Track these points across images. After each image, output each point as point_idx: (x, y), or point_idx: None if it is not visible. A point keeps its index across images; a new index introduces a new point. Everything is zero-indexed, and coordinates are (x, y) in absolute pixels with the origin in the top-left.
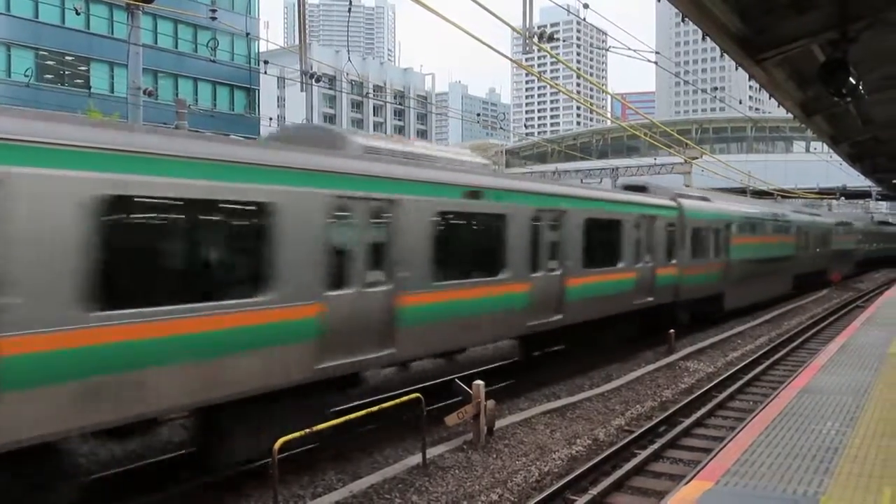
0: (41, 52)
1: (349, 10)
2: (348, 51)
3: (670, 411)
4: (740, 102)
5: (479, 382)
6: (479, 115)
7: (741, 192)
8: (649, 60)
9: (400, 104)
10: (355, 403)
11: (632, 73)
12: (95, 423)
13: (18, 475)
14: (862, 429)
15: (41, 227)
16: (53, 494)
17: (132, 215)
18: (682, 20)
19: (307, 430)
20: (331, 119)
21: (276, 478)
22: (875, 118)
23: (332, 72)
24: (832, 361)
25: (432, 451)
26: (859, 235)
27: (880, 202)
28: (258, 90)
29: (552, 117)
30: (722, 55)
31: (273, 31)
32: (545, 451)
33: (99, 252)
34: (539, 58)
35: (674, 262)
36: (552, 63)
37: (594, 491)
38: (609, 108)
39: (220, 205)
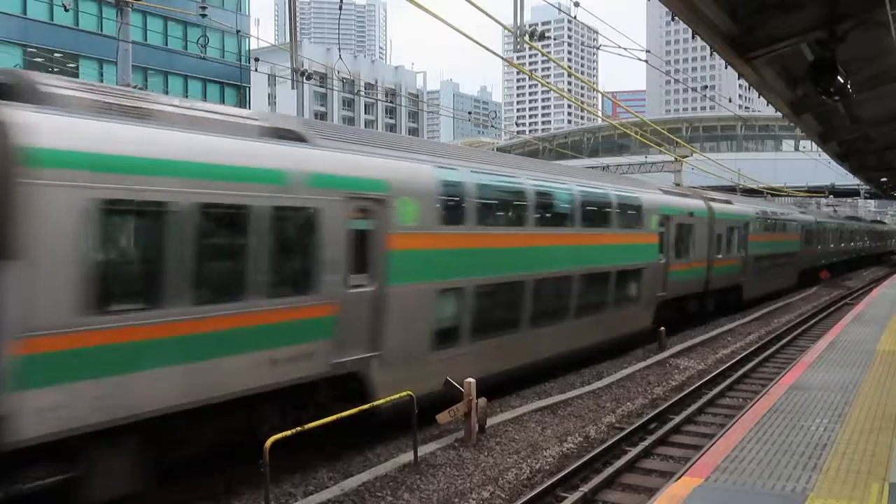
0: (29, 49)
1: (340, 8)
2: (339, 48)
3: (661, 408)
4: (730, 101)
5: (471, 380)
6: (470, 113)
7: (731, 190)
8: (640, 59)
9: (391, 102)
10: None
11: (622, 72)
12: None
13: None
14: (850, 425)
15: None
16: None
17: None
18: (673, 19)
19: (298, 429)
20: (322, 117)
21: (267, 476)
22: (863, 117)
23: (324, 69)
24: (821, 358)
25: (424, 449)
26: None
27: (868, 200)
28: (249, 88)
29: (543, 115)
30: (712, 54)
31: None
32: (536, 449)
33: None
34: (530, 56)
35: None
36: (543, 61)
37: (585, 488)
38: (600, 107)
39: None
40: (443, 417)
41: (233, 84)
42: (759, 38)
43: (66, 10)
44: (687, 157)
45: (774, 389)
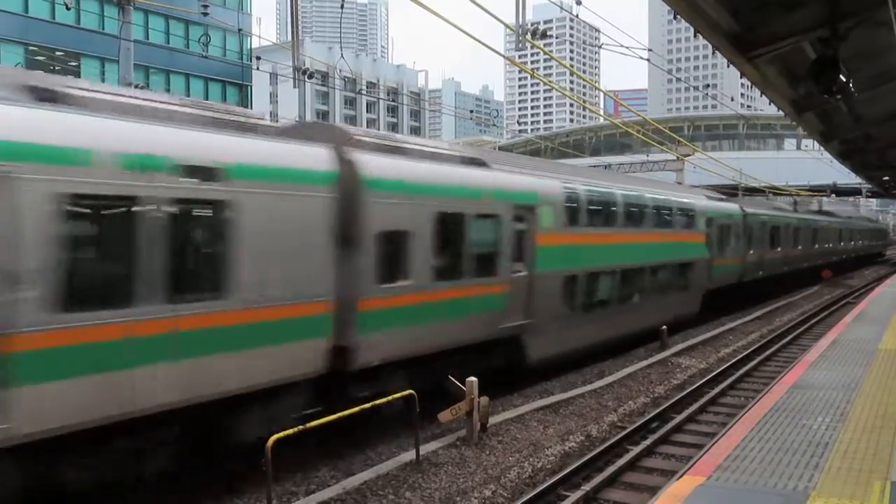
0: (31, 48)
1: (342, 7)
2: (341, 47)
3: (662, 407)
4: (732, 100)
5: (473, 379)
6: (472, 111)
7: (733, 188)
8: (642, 58)
9: (393, 101)
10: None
11: (624, 71)
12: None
13: None
14: (852, 424)
15: None
16: None
17: None
18: (675, 18)
19: (300, 427)
20: (324, 115)
21: (269, 474)
22: (865, 115)
23: (325, 68)
24: (823, 357)
25: (426, 448)
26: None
27: (870, 199)
28: (251, 86)
29: (545, 114)
30: (714, 52)
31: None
32: (538, 448)
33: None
34: (532, 55)
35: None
36: (545, 60)
37: (587, 487)
38: (602, 106)
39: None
40: (445, 416)
41: (234, 83)
42: (760, 37)
43: (68, 9)
44: (689, 155)
45: (776, 388)
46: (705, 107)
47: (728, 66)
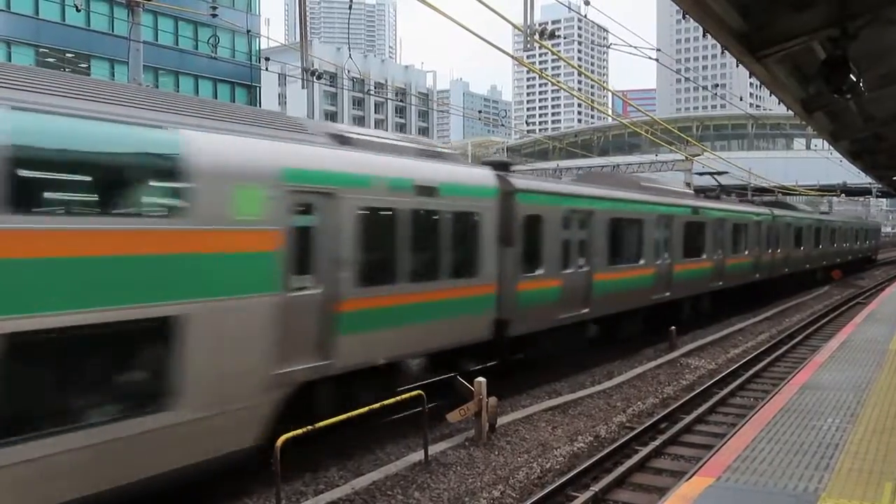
0: (41, 49)
1: (350, 8)
2: (349, 48)
3: (671, 408)
4: (741, 99)
5: (481, 379)
6: (480, 112)
7: (742, 189)
8: (650, 58)
9: (401, 101)
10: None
11: (633, 71)
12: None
13: None
14: (862, 425)
15: None
16: None
17: None
18: (683, 17)
19: (309, 427)
20: (332, 116)
21: (278, 474)
22: (875, 115)
23: (334, 69)
24: (833, 358)
25: (434, 448)
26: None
27: (880, 199)
28: (259, 87)
29: (553, 114)
30: (723, 52)
31: (274, 28)
32: (547, 448)
33: None
34: (540, 55)
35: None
36: (553, 60)
37: (596, 487)
38: (610, 106)
39: None
40: (453, 416)
41: (243, 84)
42: (770, 36)
43: (78, 11)
44: (697, 155)
45: (786, 389)
46: (714, 107)
47: (737, 66)
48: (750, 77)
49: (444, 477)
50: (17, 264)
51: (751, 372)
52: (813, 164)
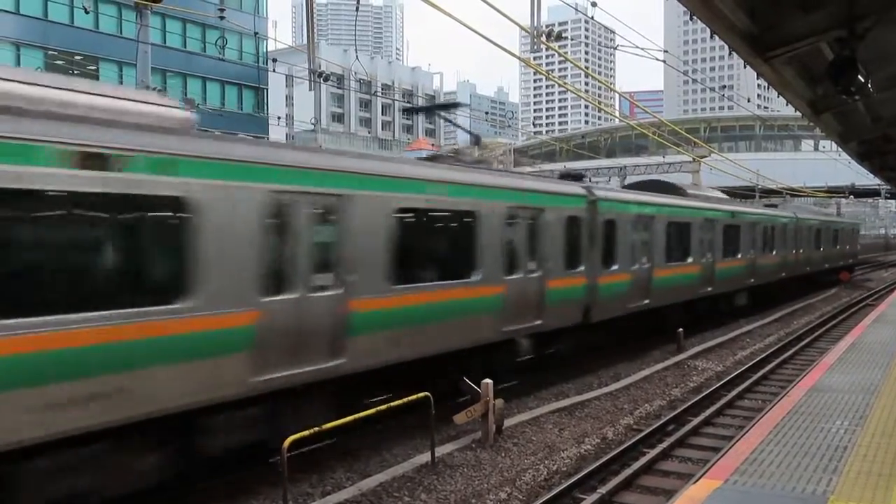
0: (50, 52)
1: (357, 10)
2: (356, 50)
3: (679, 410)
4: (749, 101)
5: (488, 381)
6: (487, 113)
7: (749, 190)
8: (657, 59)
9: (408, 103)
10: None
11: (640, 72)
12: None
13: None
14: (871, 427)
15: None
16: None
17: None
18: (691, 18)
19: (316, 429)
20: (339, 118)
21: (285, 476)
22: (884, 116)
23: (341, 71)
24: (841, 360)
25: (441, 450)
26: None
27: (889, 200)
28: (267, 89)
29: (560, 116)
30: (730, 53)
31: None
32: (554, 450)
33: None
34: (547, 56)
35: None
36: (560, 62)
37: (603, 490)
38: (617, 107)
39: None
40: (460, 418)
41: (251, 86)
42: (778, 37)
43: (87, 13)
44: (705, 157)
45: (794, 391)
46: (721, 108)
47: (745, 67)
48: (758, 78)
49: (450, 479)
50: None
51: (759, 374)
52: (821, 165)
